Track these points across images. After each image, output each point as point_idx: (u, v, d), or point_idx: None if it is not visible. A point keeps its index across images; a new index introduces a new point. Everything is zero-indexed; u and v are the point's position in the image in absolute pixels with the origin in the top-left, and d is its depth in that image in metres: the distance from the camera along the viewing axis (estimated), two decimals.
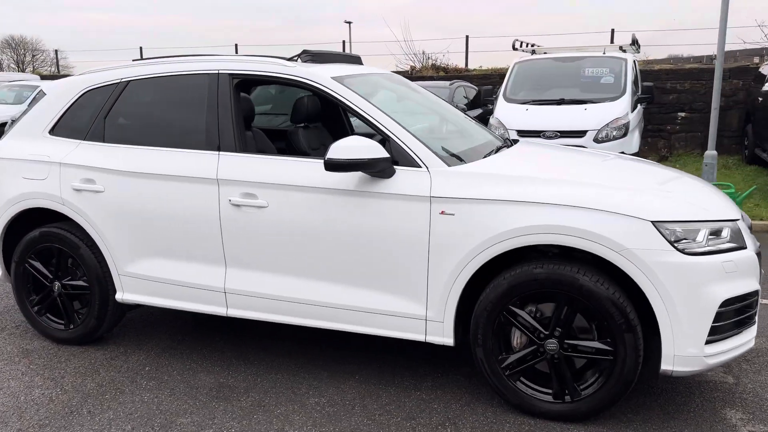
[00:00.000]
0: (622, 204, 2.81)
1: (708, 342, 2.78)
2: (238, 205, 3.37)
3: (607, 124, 8.03)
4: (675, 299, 2.72)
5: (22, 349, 3.97)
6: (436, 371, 3.55)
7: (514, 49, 9.88)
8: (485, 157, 3.40)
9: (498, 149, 3.68)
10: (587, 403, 2.94)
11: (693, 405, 3.16)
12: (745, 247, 2.91)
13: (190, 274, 3.56)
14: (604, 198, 2.84)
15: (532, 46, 10.31)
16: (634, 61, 9.24)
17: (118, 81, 3.80)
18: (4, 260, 4.14)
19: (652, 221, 2.75)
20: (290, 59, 3.71)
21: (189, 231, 3.50)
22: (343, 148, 3.03)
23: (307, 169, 3.28)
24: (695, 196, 3.12)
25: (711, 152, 7.59)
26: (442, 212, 3.01)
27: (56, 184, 3.77)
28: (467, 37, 16.72)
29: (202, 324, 4.31)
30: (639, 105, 8.90)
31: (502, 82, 13.06)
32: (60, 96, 3.96)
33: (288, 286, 3.36)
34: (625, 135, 8.09)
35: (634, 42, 9.35)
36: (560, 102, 8.51)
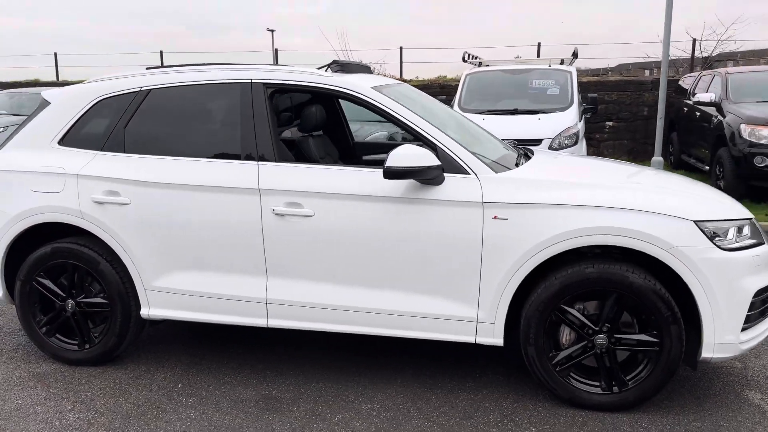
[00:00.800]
0: (667, 205, 3.04)
1: (743, 329, 3.06)
2: (281, 215, 3.35)
3: (560, 133, 8.45)
4: (716, 291, 2.97)
5: (31, 373, 3.73)
6: (473, 372, 3.66)
7: (464, 60, 10.21)
8: (517, 164, 3.56)
9: (520, 157, 3.85)
10: (634, 393, 3.15)
11: (716, 389, 3.44)
12: (764, 243, 3.22)
13: (226, 285, 3.50)
14: (650, 200, 3.07)
15: (476, 58, 10.69)
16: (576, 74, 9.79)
17: (137, 90, 3.68)
18: (5, 280, 3.88)
19: (694, 221, 3.00)
20: (321, 68, 3.73)
21: (226, 242, 3.44)
22: (401, 156, 3.10)
23: (353, 178, 3.32)
24: (717, 198, 3.41)
25: (657, 158, 8.18)
26: (495, 217, 3.14)
27: (73, 197, 3.59)
28: (401, 48, 17.05)
29: (216, 337, 4.21)
30: (584, 115, 9.43)
31: (440, 93, 13.51)
32: (67, 105, 3.78)
33: (335, 294, 3.37)
34: (576, 143, 8.55)
35: (575, 55, 9.91)
36: (514, 112, 8.87)
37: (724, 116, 8.83)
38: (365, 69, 4.21)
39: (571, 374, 3.22)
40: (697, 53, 17.26)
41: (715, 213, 3.12)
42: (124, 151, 3.63)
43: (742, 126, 8.15)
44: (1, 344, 4.18)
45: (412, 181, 3.20)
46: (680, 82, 12.39)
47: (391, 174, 3.11)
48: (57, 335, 3.83)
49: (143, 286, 3.60)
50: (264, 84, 3.53)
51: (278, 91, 3.63)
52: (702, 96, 9.42)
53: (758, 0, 30.32)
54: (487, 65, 10.42)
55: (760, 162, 7.88)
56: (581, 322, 3.16)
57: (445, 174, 3.22)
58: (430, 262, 3.24)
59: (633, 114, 13.37)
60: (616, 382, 3.17)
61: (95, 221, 3.58)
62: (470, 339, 3.29)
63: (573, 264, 3.14)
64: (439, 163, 3.16)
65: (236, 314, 3.53)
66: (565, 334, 3.23)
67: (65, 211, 3.61)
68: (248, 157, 3.46)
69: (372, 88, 3.49)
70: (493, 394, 3.41)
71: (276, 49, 18.52)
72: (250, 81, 3.55)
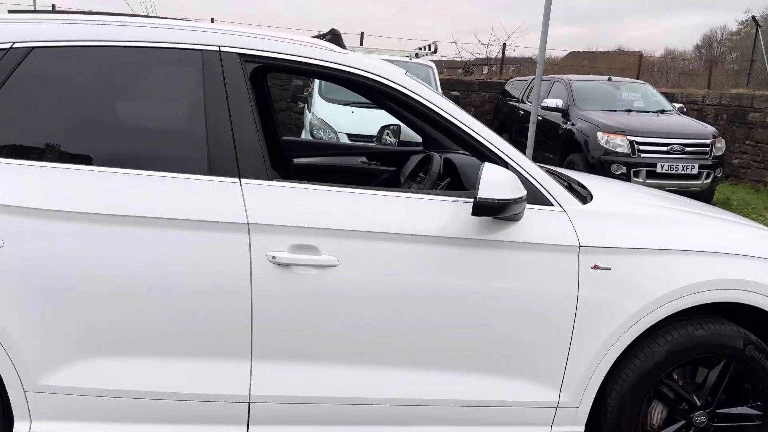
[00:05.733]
0: None
1: None
2: (285, 265, 2.14)
3: None
4: None
5: None
6: None
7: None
8: (570, 189, 2.76)
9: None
10: None
11: None
12: None
13: (177, 377, 2.17)
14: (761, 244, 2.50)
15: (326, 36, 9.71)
16: None
17: (7, 46, 2.13)
18: None
19: None
20: (320, 37, 2.53)
21: (183, 307, 2.12)
22: (495, 183, 2.11)
23: (398, 208, 2.23)
24: None
25: None
26: (595, 266, 2.31)
27: None
28: (212, 19, 15.25)
29: None
30: None
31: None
32: None
33: (365, 381, 2.26)
34: None
35: (435, 49, 9.44)
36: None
37: (573, 123, 9.05)
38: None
39: None
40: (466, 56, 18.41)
41: None
42: None
43: (599, 134, 8.37)
44: None
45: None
46: (506, 87, 12.73)
47: (485, 209, 2.11)
48: None
49: (22, 387, 2.10)
50: (240, 55, 2.25)
51: (262, 68, 2.37)
52: (549, 101, 9.57)
53: (513, 12, 33.88)
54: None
55: (615, 170, 8.13)
56: (681, 397, 2.49)
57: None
58: (502, 331, 2.30)
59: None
60: None
61: None
62: (544, 430, 2.42)
63: (677, 326, 2.44)
64: (526, 192, 2.24)
65: (192, 422, 2.21)
66: (657, 413, 2.53)
67: None
68: (222, 171, 2.16)
69: (408, 75, 2.42)
70: None
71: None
72: (217, 49, 2.23)
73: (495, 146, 2.35)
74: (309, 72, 2.37)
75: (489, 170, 2.13)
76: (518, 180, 2.20)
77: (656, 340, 2.42)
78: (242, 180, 2.16)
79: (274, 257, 2.12)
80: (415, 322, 2.24)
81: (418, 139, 4.04)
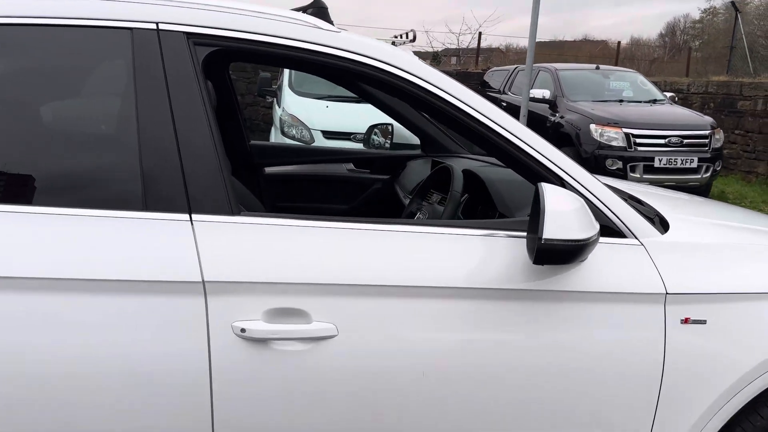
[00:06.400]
0: None
1: None
2: (260, 340, 1.47)
3: None
4: None
5: None
6: None
7: None
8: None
9: None
10: None
11: None
12: None
13: None
14: None
15: None
16: None
17: None
18: None
19: None
20: (304, 11, 1.86)
21: (108, 406, 1.44)
22: (562, 217, 1.46)
23: (420, 248, 1.58)
24: None
25: None
26: (687, 320, 1.69)
27: None
28: None
29: None
30: None
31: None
32: None
33: None
34: None
35: (413, 38, 8.78)
36: (361, 99, 7.42)
37: (562, 115, 8.50)
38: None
39: None
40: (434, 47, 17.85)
41: None
42: None
43: (592, 126, 7.83)
44: None
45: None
46: (486, 77, 12.17)
47: (553, 255, 1.47)
48: None
49: None
50: (188, 35, 1.56)
51: (221, 53, 1.68)
52: (535, 92, 8.99)
53: (482, 2, 33.61)
54: None
55: (611, 164, 7.60)
56: None
57: None
58: (563, 412, 1.67)
59: None
60: None
61: None
62: None
63: None
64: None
65: None
66: None
67: None
68: (164, 204, 1.48)
69: (421, 61, 1.77)
70: None
71: None
72: (154, 26, 1.54)
73: (550, 160, 1.70)
74: (289, 58, 1.68)
75: (553, 197, 1.49)
76: (588, 208, 1.57)
77: (757, 411, 1.82)
78: (193, 216, 1.48)
79: (243, 329, 1.45)
80: (446, 410, 1.60)
81: (415, 140, 3.41)
